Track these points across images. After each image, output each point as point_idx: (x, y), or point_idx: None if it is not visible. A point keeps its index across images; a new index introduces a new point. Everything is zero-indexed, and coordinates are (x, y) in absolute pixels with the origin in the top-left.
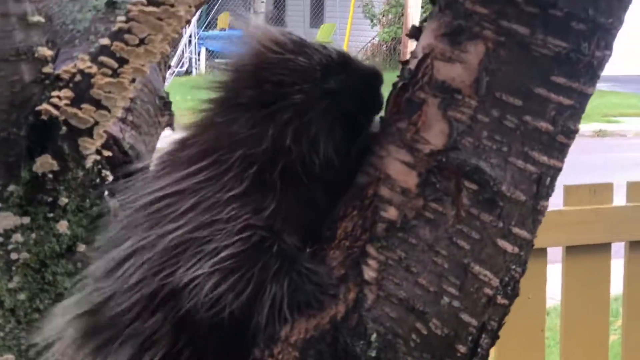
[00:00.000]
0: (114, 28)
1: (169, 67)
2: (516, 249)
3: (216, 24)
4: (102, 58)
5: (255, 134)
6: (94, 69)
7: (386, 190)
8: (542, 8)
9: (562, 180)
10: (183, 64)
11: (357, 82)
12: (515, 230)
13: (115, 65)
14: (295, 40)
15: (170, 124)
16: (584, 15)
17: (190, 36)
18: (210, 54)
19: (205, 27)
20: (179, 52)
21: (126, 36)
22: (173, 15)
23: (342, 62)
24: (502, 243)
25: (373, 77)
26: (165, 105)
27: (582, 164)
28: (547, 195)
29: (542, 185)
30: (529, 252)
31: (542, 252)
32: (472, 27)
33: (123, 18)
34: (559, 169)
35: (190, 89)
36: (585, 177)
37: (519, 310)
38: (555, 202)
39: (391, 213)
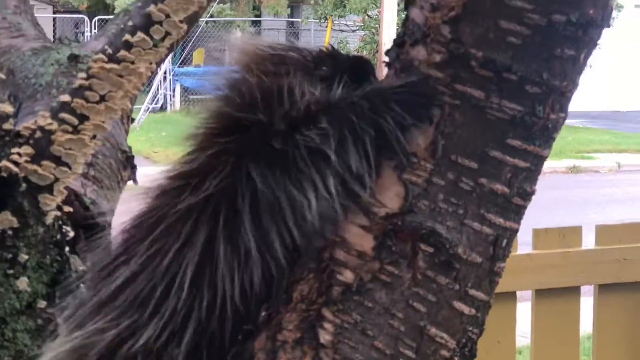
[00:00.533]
0: (75, 85)
1: (132, 120)
2: (473, 311)
3: (191, 61)
4: (63, 115)
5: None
6: (55, 126)
7: (342, 253)
8: (497, 72)
9: (539, 216)
10: (158, 100)
11: (348, 67)
12: (472, 292)
13: (76, 122)
14: (285, 43)
15: (132, 178)
16: (539, 78)
17: (165, 72)
18: (185, 91)
19: (180, 64)
20: (153, 88)
21: (87, 93)
22: (134, 72)
23: (332, 54)
24: (458, 305)
25: (363, 63)
26: (127, 159)
27: (556, 200)
28: (504, 257)
29: (499, 247)
30: (486, 313)
31: (512, 295)
32: None
33: (84, 75)
34: (516, 231)
35: (164, 125)
36: (559, 213)
37: (489, 354)
38: (526, 239)
39: (347, 276)
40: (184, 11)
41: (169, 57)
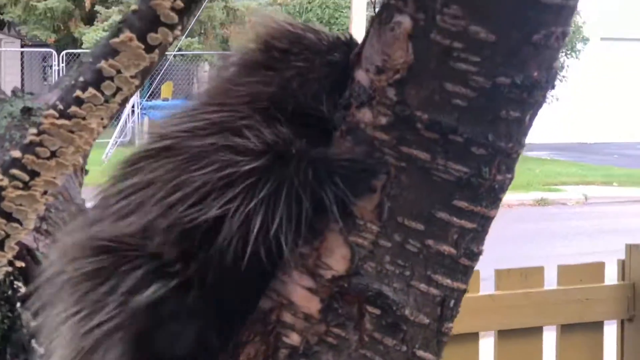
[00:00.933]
0: (26, 140)
1: (87, 172)
2: None
3: (159, 94)
4: (13, 171)
5: (261, 81)
6: (5, 182)
7: (289, 315)
8: (442, 134)
9: (506, 249)
10: (126, 134)
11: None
12: (420, 353)
13: (27, 178)
14: (307, 24)
15: None
16: (484, 140)
17: (133, 106)
18: None
19: (148, 97)
20: (121, 121)
21: (37, 149)
22: (85, 128)
23: (348, 42)
24: None
25: None
26: (81, 212)
27: (524, 233)
28: (452, 317)
29: (446, 307)
30: None
31: (474, 336)
32: (373, 153)
33: (34, 130)
34: (464, 291)
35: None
36: (527, 246)
37: None
38: (490, 273)
39: (294, 339)
40: (135, 67)
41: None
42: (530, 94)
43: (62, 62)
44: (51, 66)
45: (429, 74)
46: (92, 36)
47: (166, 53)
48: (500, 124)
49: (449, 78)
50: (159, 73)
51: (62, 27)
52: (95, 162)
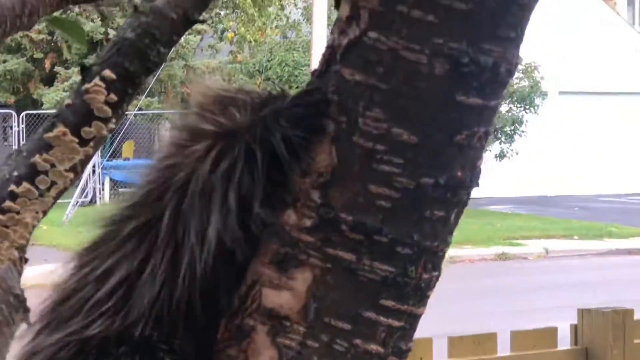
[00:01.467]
0: None
1: (26, 260)
2: None
3: (120, 153)
4: None
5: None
6: None
7: None
8: (367, 235)
9: (469, 305)
10: (87, 193)
11: (297, 105)
12: None
13: None
14: (239, 87)
15: (26, 320)
16: (409, 240)
17: (94, 166)
18: (115, 184)
19: (110, 157)
20: (82, 182)
21: None
22: (19, 222)
23: (281, 95)
24: None
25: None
26: (19, 302)
27: (485, 288)
28: None
29: None
30: None
31: None
32: (299, 254)
33: None
34: None
35: (94, 220)
36: (488, 301)
37: None
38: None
39: None
40: (69, 160)
41: (98, 150)
42: (454, 194)
43: (22, 123)
44: (11, 127)
45: (353, 176)
46: (52, 97)
47: (127, 113)
48: (425, 224)
49: (372, 180)
50: (120, 132)
51: (22, 89)
52: (55, 222)
